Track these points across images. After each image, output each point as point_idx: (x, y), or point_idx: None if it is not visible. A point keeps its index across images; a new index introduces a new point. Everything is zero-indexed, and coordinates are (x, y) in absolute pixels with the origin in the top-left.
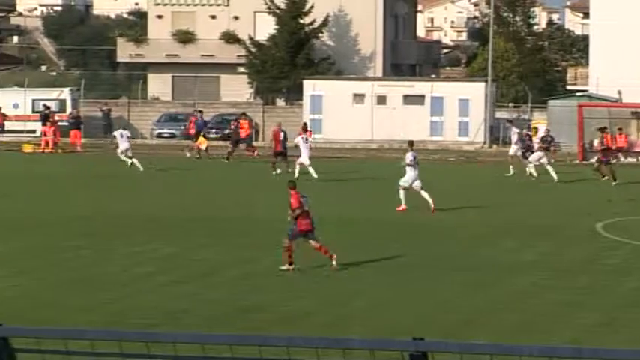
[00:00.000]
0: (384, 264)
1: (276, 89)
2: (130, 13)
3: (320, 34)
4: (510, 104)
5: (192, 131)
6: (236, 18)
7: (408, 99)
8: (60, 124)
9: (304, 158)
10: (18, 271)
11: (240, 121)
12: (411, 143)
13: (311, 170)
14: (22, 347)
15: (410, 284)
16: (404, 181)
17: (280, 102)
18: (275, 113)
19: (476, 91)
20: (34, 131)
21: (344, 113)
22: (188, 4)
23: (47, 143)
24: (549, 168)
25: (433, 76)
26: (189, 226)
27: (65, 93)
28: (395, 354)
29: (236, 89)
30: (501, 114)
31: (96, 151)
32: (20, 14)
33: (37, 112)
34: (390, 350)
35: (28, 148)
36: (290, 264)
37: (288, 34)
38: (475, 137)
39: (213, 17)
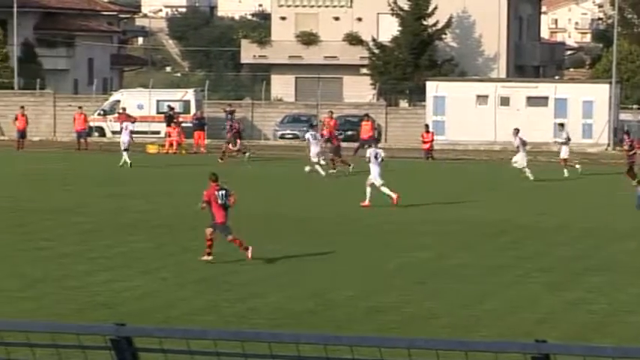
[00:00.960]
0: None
1: (399, 90)
2: (253, 15)
3: (443, 36)
4: (634, 106)
5: None
6: (359, 19)
7: (532, 101)
8: (184, 125)
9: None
10: (142, 272)
11: (363, 122)
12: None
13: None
14: (144, 347)
15: (544, 286)
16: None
17: (403, 103)
18: (398, 115)
19: (600, 93)
20: (158, 132)
21: (467, 115)
22: (312, 6)
23: (171, 144)
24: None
25: (557, 77)
26: (310, 227)
27: (189, 94)
28: (517, 356)
29: (359, 91)
30: (625, 116)
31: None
32: (145, 16)
33: (161, 113)
34: (511, 353)
35: (152, 149)
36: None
37: (411, 36)
38: (599, 139)
39: (337, 19)
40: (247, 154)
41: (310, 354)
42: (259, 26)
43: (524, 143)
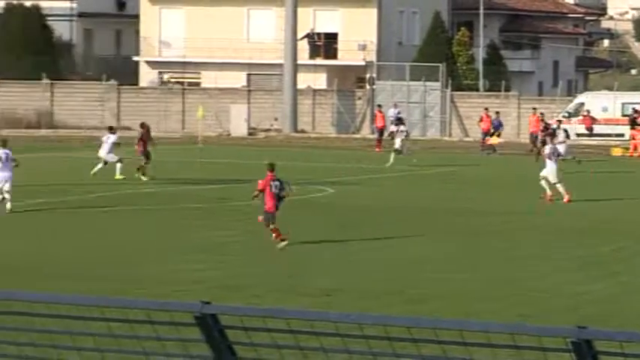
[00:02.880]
0: None
1: None
2: None
3: None
4: None
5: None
6: None
7: None
8: None
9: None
10: (602, 275)
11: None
12: None
13: None
14: (230, 325)
15: None
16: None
17: None
18: None
19: None
20: (622, 135)
21: None
22: None
23: (635, 147)
24: None
25: None
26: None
27: None
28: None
29: None
30: None
31: None
32: (611, 18)
33: (625, 115)
34: (553, 337)
35: (617, 152)
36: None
37: None
38: None
39: None
40: None
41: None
42: None
43: None
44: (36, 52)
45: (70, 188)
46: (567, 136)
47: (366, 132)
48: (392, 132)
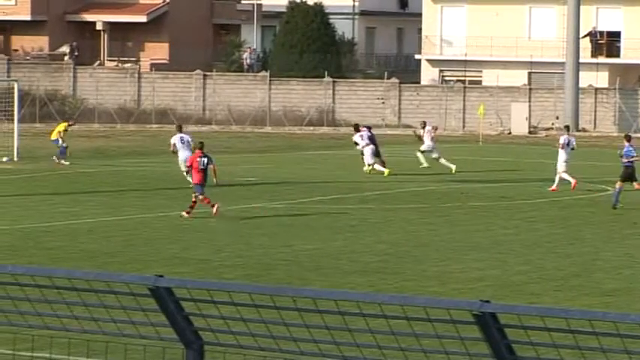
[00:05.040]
0: None
1: None
2: None
3: None
4: None
5: None
6: None
7: None
8: None
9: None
10: None
11: None
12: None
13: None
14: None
15: None
16: None
17: None
18: None
19: None
20: None
21: None
22: None
23: None
24: None
25: None
26: None
27: None
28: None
29: None
30: None
31: None
32: None
33: None
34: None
35: None
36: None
37: None
38: None
39: None
40: None
41: None
42: None
43: None
44: (318, 50)
45: (357, 185)
46: None
47: None
48: None
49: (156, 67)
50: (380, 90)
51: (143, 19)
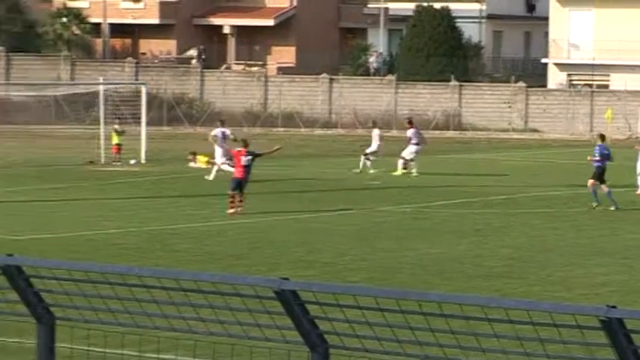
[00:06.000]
0: None
1: None
2: None
3: None
4: None
5: None
6: None
7: None
8: None
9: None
10: None
11: None
12: None
13: None
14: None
15: None
16: None
17: None
18: None
19: None
20: None
21: None
22: None
23: None
24: None
25: None
26: None
27: None
28: None
29: None
30: None
31: None
32: None
33: None
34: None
35: None
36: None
37: None
38: None
39: None
40: None
41: None
42: None
43: None
44: (444, 53)
45: (483, 190)
46: None
47: None
48: None
49: (283, 70)
50: (507, 94)
51: (270, 22)
